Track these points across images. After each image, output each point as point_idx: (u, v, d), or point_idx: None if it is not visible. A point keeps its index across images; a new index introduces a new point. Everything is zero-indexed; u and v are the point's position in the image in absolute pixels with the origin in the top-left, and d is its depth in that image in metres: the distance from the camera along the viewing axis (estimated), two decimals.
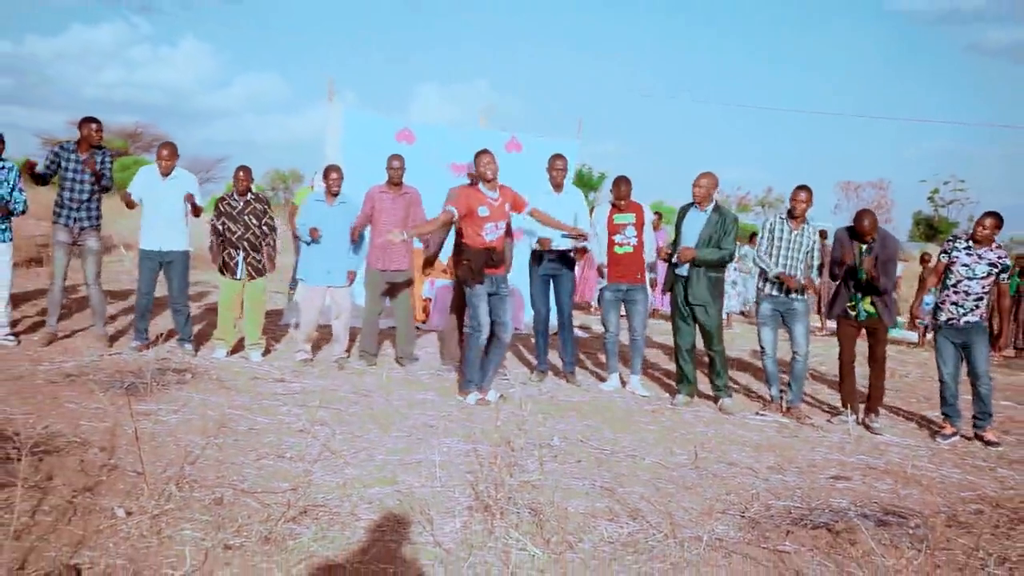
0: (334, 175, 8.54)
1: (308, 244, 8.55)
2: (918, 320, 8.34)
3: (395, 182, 8.58)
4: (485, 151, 7.31)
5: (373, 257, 8.63)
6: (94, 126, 8.33)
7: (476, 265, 7.27)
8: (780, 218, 7.88)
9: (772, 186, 42.59)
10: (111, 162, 8.60)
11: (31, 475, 4.56)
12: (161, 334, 8.41)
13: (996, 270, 7.21)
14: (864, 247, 7.45)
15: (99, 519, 4.20)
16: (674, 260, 7.85)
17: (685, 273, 7.84)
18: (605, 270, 8.32)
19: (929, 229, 39.80)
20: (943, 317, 7.37)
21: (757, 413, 7.80)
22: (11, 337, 8.33)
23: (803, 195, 7.76)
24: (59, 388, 6.78)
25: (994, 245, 7.27)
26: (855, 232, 7.49)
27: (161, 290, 8.63)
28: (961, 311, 7.26)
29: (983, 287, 7.22)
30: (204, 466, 5.08)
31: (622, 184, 8.25)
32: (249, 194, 8.48)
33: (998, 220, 7.24)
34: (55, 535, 3.98)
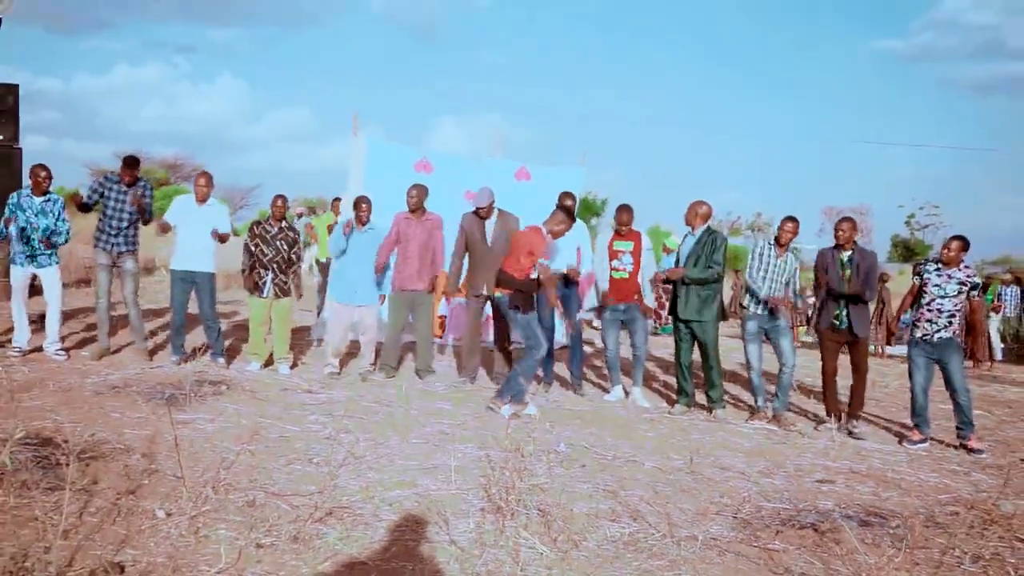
0: (364, 206, 8.59)
1: (338, 259, 8.59)
2: (894, 336, 8.31)
3: (413, 209, 8.61)
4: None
5: (397, 279, 8.66)
6: (136, 170, 8.53)
7: (529, 294, 7.57)
8: (768, 243, 7.88)
9: (761, 211, 42.52)
10: (151, 193, 8.69)
11: (78, 479, 4.56)
12: (197, 348, 8.45)
13: (966, 288, 7.19)
14: (844, 256, 7.48)
15: (141, 520, 4.20)
16: (669, 277, 7.86)
17: (679, 292, 7.85)
18: (603, 293, 8.36)
19: (906, 251, 39.73)
20: (918, 334, 7.34)
21: (746, 421, 7.78)
22: (62, 352, 8.37)
23: (790, 226, 7.76)
24: (105, 399, 6.79)
25: (962, 265, 7.26)
26: (835, 244, 7.57)
27: (193, 307, 8.68)
28: (935, 327, 7.24)
29: (955, 304, 7.20)
30: (238, 471, 5.09)
31: (623, 212, 8.27)
32: (283, 222, 8.54)
33: (963, 243, 7.24)
34: (100, 535, 3.98)
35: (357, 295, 8.62)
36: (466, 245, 8.50)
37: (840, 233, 7.55)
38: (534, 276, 7.48)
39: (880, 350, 13.53)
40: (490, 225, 8.43)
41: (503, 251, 8.31)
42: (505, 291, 7.51)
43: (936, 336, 7.22)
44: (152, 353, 8.91)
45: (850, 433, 7.45)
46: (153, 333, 10.24)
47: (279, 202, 8.57)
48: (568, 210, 7.74)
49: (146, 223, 8.67)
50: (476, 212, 8.46)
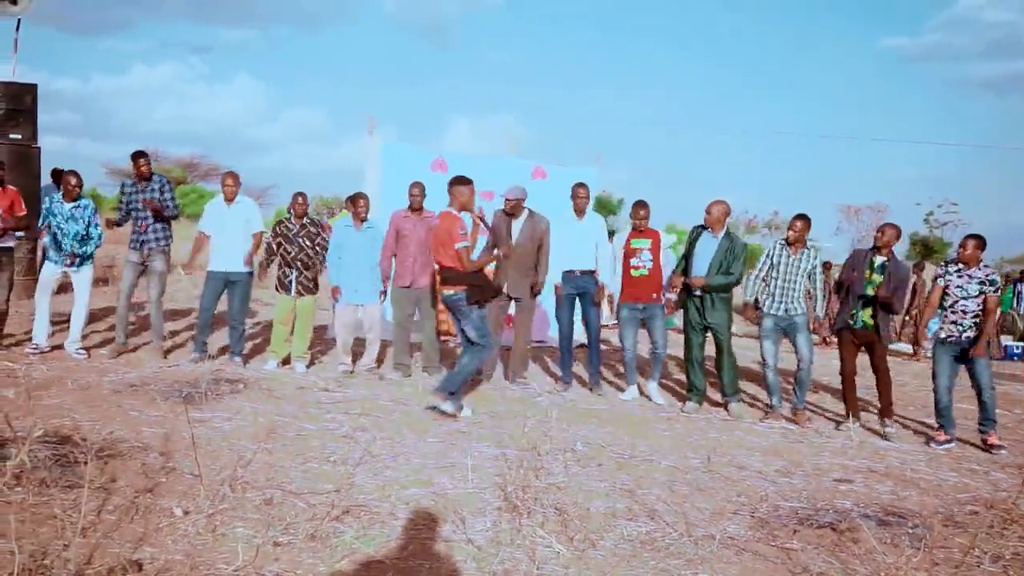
0: (361, 202, 8.60)
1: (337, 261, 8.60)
2: (924, 342, 8.23)
3: (415, 208, 8.62)
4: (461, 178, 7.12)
5: (397, 276, 8.66)
6: (141, 161, 8.56)
7: (483, 285, 7.17)
8: (780, 243, 7.84)
9: (778, 209, 42.20)
10: (171, 188, 8.75)
11: (97, 477, 4.59)
12: (220, 348, 8.48)
13: (986, 287, 7.13)
14: (878, 261, 7.44)
15: (159, 518, 4.22)
16: (690, 286, 7.82)
17: (699, 294, 7.83)
18: (614, 293, 8.35)
19: (925, 249, 39.41)
20: (944, 335, 7.29)
21: (761, 420, 7.75)
22: (83, 351, 8.42)
23: (799, 224, 7.72)
24: (123, 397, 6.83)
25: (981, 264, 7.20)
26: (873, 247, 7.56)
27: (220, 306, 8.73)
28: (961, 328, 7.18)
29: (978, 304, 7.15)
30: (255, 469, 5.10)
31: (640, 208, 8.22)
32: (305, 218, 8.58)
33: (980, 241, 7.19)
34: (118, 532, 4.00)
35: (358, 294, 8.62)
36: (495, 245, 8.46)
37: (881, 236, 7.51)
38: (476, 262, 7.11)
39: (915, 352, 13.18)
40: (517, 224, 8.38)
41: (528, 251, 8.29)
42: (457, 287, 6.96)
43: (964, 336, 7.17)
44: (169, 352, 8.97)
45: (883, 435, 7.41)
46: (174, 333, 10.30)
47: (300, 199, 8.59)
48: (459, 179, 7.05)
49: (173, 218, 8.75)
50: (504, 208, 8.44)
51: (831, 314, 8.33)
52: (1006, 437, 7.59)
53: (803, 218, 7.75)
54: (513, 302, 8.61)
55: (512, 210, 8.36)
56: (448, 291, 7.00)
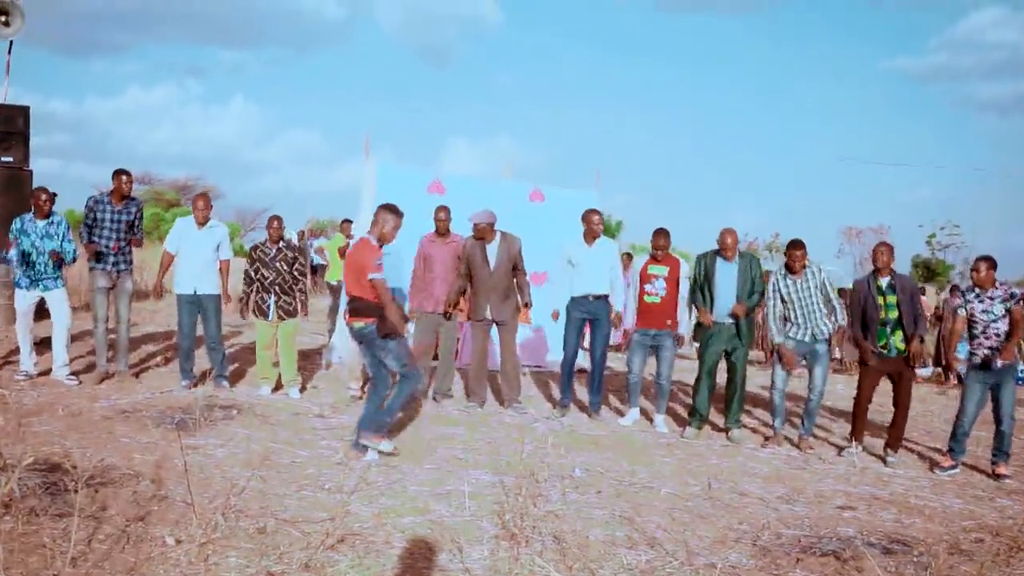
0: (347, 227, 8.61)
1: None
2: (956, 366, 8.16)
3: (441, 232, 8.62)
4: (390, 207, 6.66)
5: (423, 300, 8.59)
6: (124, 178, 8.49)
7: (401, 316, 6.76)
8: (781, 276, 7.80)
9: (779, 231, 42.29)
10: (141, 213, 8.73)
11: (87, 505, 4.57)
12: (207, 372, 8.46)
13: (1010, 302, 7.10)
14: (883, 283, 7.43)
15: (150, 547, 4.20)
16: (735, 316, 7.86)
17: (731, 321, 7.87)
18: (625, 318, 8.34)
19: (927, 271, 39.48)
20: (978, 360, 7.22)
21: (762, 445, 7.74)
22: (72, 377, 8.37)
23: (798, 253, 7.67)
24: (114, 424, 6.81)
25: (998, 283, 7.20)
26: (874, 270, 7.52)
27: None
28: (996, 351, 7.14)
29: (1008, 324, 7.13)
30: (249, 497, 5.08)
31: (660, 237, 8.17)
32: (281, 242, 8.55)
33: (991, 262, 7.19)
34: (109, 562, 3.98)
35: None
36: (468, 269, 8.45)
37: (878, 257, 7.48)
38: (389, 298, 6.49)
39: (944, 378, 13.05)
40: (492, 248, 8.37)
41: (506, 274, 8.29)
42: (367, 320, 6.42)
43: (999, 361, 7.12)
44: (144, 374, 8.99)
45: (884, 460, 7.40)
46: (152, 355, 10.27)
47: (275, 223, 8.54)
48: (391, 207, 6.61)
49: (138, 244, 8.75)
50: (473, 234, 8.44)
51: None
52: (1012, 462, 7.57)
53: (799, 247, 7.70)
54: (496, 326, 8.58)
55: (482, 235, 8.34)
56: (358, 323, 6.48)
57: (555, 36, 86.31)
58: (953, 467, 7.17)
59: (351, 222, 11.52)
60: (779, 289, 7.76)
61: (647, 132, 79.79)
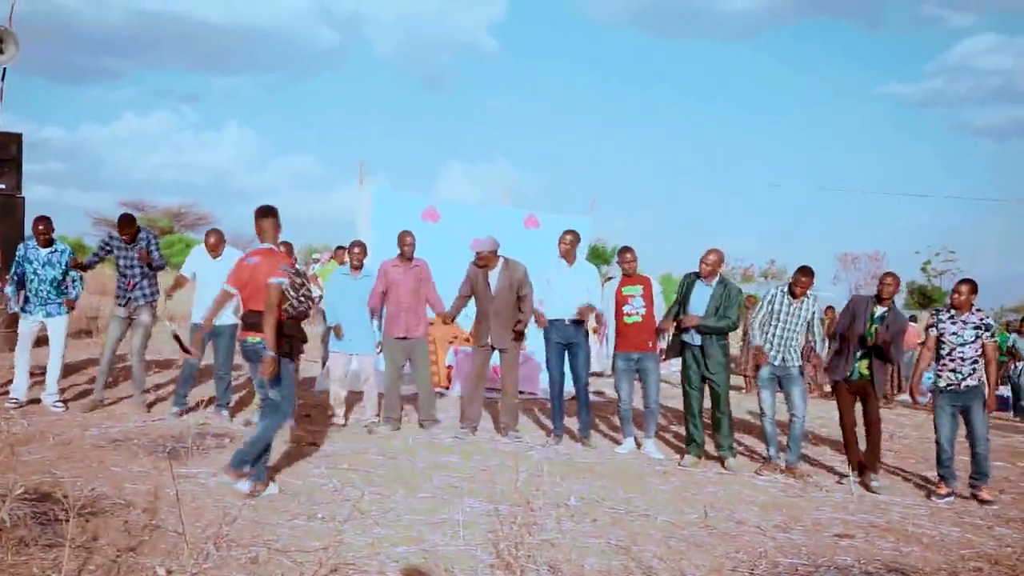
0: (356, 250, 8.65)
1: (332, 317, 8.62)
2: (919, 398, 8.20)
3: (407, 257, 8.65)
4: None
5: (389, 326, 8.66)
6: (127, 229, 8.50)
7: (295, 337, 6.36)
8: (781, 291, 7.87)
9: (775, 258, 42.48)
10: (157, 243, 8.77)
11: (78, 535, 4.55)
12: (201, 400, 8.44)
13: (982, 331, 7.17)
14: (878, 311, 7.47)
15: None
16: (682, 324, 7.87)
17: (699, 342, 7.86)
18: (608, 337, 8.34)
19: (923, 297, 39.66)
20: (943, 384, 7.29)
21: (757, 472, 7.73)
22: (60, 404, 8.38)
23: (805, 280, 7.76)
24: (105, 452, 6.79)
25: (974, 309, 7.26)
26: (876, 296, 7.58)
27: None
28: (960, 376, 7.20)
29: (975, 350, 7.18)
30: (241, 526, 5.07)
31: (626, 252, 8.27)
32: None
33: (972, 285, 7.28)
34: None
35: (352, 343, 8.62)
36: (472, 293, 8.50)
37: (884, 288, 7.54)
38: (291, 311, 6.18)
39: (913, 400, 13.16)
40: (494, 275, 8.41)
41: (507, 301, 8.31)
42: (261, 334, 5.91)
43: (963, 384, 7.18)
44: (152, 405, 8.94)
45: (866, 487, 7.39)
46: (158, 386, 10.26)
47: (283, 248, 8.56)
48: (270, 210, 6.36)
49: (159, 269, 8.77)
50: (475, 262, 8.46)
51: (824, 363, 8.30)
52: (1009, 490, 7.59)
53: (809, 274, 7.78)
54: (498, 353, 8.59)
55: (484, 262, 8.39)
56: (252, 337, 6.01)
57: (550, 61, 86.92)
58: (949, 495, 7.18)
59: (344, 249, 11.54)
60: (773, 301, 7.82)
61: (643, 157, 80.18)
